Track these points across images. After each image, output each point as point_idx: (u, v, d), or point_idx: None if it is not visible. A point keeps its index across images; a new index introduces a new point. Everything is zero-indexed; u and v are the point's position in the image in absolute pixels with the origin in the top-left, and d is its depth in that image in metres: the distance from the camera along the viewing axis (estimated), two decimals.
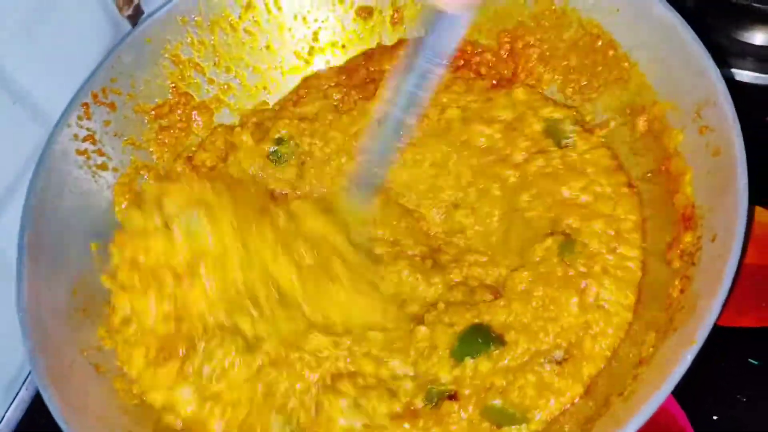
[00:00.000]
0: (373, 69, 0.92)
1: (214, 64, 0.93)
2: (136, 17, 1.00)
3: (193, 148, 0.91)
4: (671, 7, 0.75)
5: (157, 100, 0.90)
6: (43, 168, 0.78)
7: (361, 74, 0.92)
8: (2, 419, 0.88)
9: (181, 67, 0.91)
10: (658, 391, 0.56)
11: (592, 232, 0.72)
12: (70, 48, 0.89)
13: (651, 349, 0.63)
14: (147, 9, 0.98)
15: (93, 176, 0.83)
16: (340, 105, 0.88)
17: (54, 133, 0.81)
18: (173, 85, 0.91)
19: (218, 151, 0.89)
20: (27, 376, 0.91)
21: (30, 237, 0.75)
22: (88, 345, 0.74)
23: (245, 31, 0.94)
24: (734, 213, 0.61)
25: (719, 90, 0.67)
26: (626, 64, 0.79)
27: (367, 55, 0.94)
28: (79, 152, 0.82)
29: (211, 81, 0.94)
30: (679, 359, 0.57)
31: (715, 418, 0.76)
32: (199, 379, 0.69)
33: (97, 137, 0.84)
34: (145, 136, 0.89)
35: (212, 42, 0.93)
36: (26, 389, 0.90)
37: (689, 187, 0.69)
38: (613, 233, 0.72)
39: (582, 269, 0.69)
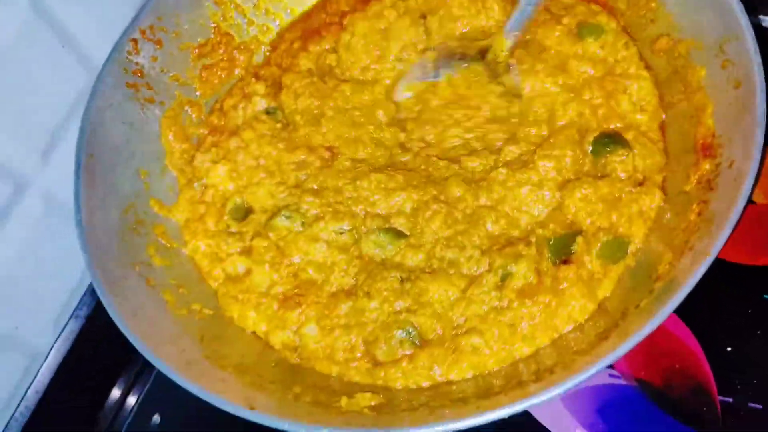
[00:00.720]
0: (330, 12, 0.96)
1: (254, 6, 0.97)
2: None
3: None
4: None
5: (200, 39, 0.93)
6: (96, 98, 0.82)
7: (321, 18, 0.96)
8: (51, 349, 0.91)
9: (222, 8, 0.95)
10: (671, 300, 0.60)
11: None
12: None
13: (667, 266, 0.66)
14: None
15: (141, 108, 0.87)
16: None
17: (105, 66, 0.84)
18: (215, 25, 0.94)
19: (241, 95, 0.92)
20: (73, 312, 0.93)
21: (86, 162, 0.79)
22: (140, 260, 0.78)
23: None
24: (751, 138, 0.64)
25: (742, 24, 0.70)
26: (653, 4, 0.82)
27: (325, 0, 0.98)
28: (129, 85, 0.86)
29: (251, 22, 0.97)
30: (693, 272, 0.60)
31: (729, 349, 0.80)
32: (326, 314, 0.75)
33: (145, 71, 0.88)
34: (189, 74, 0.92)
35: None
36: (75, 318, 0.93)
37: (710, 119, 0.72)
38: None
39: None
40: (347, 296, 0.76)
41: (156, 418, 0.86)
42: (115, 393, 0.93)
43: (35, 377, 0.87)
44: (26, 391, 0.86)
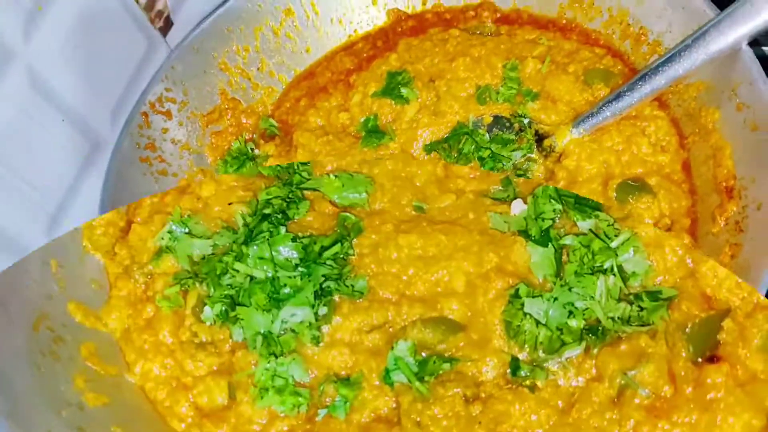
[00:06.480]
0: (335, 71, 0.96)
1: (258, 69, 0.97)
2: (166, 29, 1.03)
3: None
4: None
5: (208, 106, 0.93)
6: (111, 178, 0.81)
7: (326, 77, 0.96)
8: None
9: (228, 73, 0.95)
10: None
11: None
12: (108, 62, 0.91)
13: None
14: (175, 20, 1.01)
15: (156, 182, 0.87)
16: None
17: (118, 144, 0.84)
18: (222, 91, 0.95)
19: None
20: None
21: None
22: (66, 401, 0.55)
23: (286, 35, 0.98)
24: None
25: (753, 69, 0.72)
26: (659, 49, 0.84)
27: (329, 58, 0.97)
28: (142, 159, 0.86)
29: (256, 86, 0.97)
30: None
31: None
32: None
33: (156, 144, 0.87)
34: (199, 141, 0.92)
35: (255, 48, 0.96)
36: None
37: (729, 161, 0.73)
38: None
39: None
40: (388, 429, 0.54)
41: None
42: None
43: None
44: None
